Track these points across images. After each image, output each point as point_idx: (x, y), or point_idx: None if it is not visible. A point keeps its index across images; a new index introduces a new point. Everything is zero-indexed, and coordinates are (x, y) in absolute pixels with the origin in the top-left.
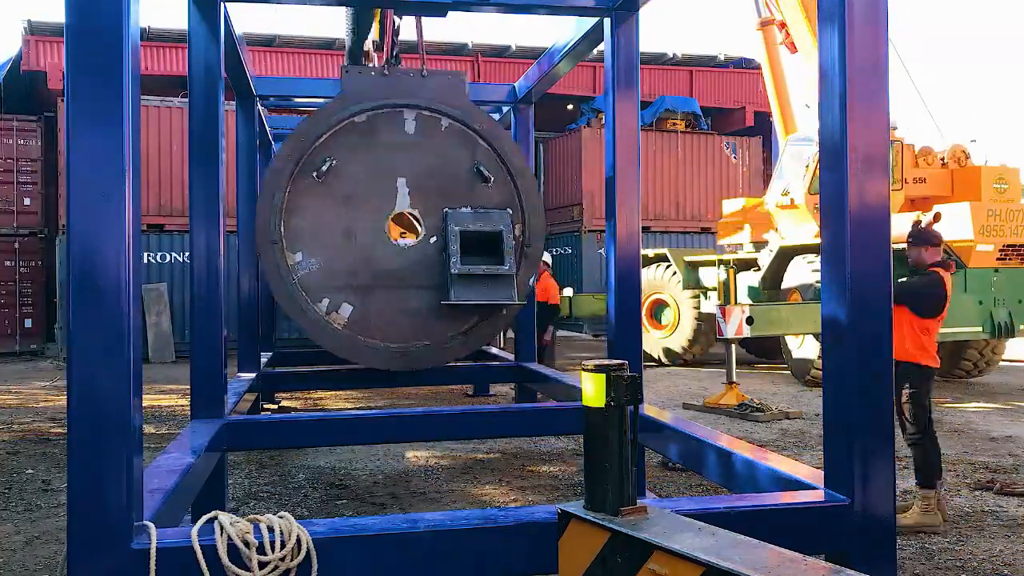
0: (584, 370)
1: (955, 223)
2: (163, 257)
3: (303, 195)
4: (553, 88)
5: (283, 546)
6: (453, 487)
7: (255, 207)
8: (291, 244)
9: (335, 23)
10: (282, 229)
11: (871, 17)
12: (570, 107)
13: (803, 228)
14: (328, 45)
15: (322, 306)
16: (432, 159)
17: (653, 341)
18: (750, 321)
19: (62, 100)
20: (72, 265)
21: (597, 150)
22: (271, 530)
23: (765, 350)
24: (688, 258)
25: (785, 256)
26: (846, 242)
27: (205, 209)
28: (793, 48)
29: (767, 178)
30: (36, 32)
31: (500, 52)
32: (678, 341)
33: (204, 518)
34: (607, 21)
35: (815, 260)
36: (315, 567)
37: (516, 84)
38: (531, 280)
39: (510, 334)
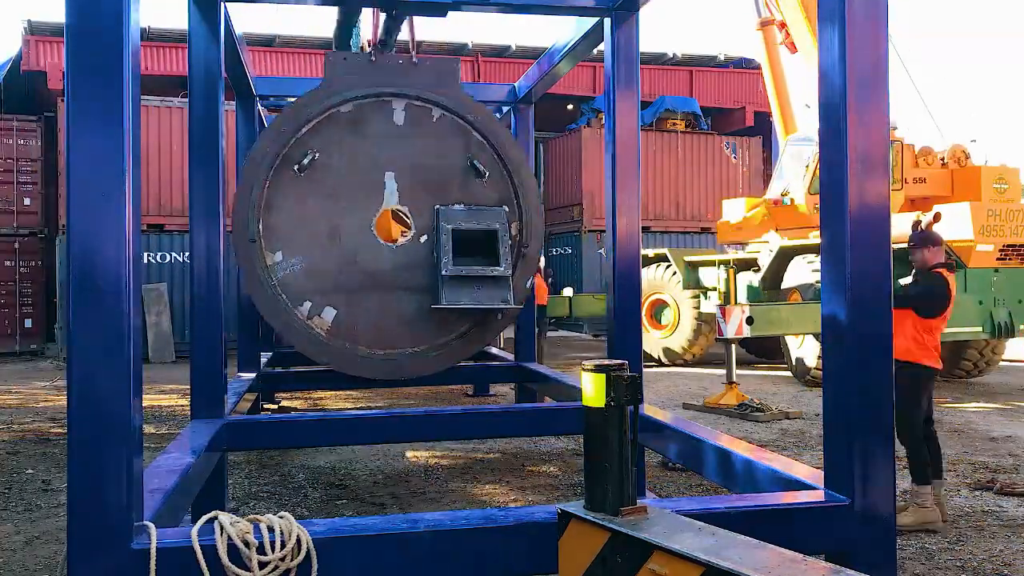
0: (584, 370)
1: (955, 223)
2: (163, 257)
3: (283, 190)
4: (553, 88)
5: (283, 546)
6: (453, 487)
7: None
8: (270, 243)
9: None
10: (260, 227)
11: (871, 17)
12: (570, 107)
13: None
14: (328, 45)
15: (303, 309)
16: (423, 152)
17: (653, 341)
18: (750, 321)
19: (62, 100)
20: (72, 265)
21: (597, 150)
22: (271, 530)
23: (765, 350)
24: (688, 258)
25: (785, 256)
26: (846, 242)
27: (205, 209)
28: (793, 48)
29: (767, 178)
30: (36, 32)
31: (500, 52)
32: (678, 341)
33: (204, 518)
34: (607, 21)
35: (815, 260)
36: (315, 567)
37: (516, 84)
38: (528, 282)
39: (509, 334)
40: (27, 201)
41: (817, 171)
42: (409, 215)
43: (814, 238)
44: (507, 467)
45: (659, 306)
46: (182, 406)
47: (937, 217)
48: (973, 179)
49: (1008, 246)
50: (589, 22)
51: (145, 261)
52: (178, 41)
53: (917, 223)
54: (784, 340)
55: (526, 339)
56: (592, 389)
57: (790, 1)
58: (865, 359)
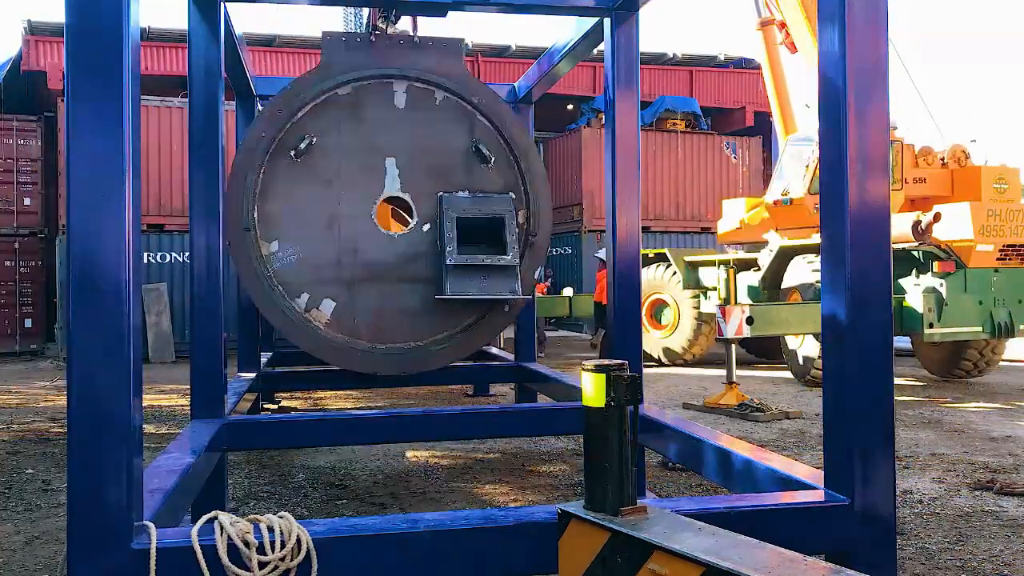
0: (584, 370)
1: (955, 223)
2: (163, 257)
3: (279, 177)
4: (553, 88)
5: (283, 546)
6: (453, 487)
7: None
8: (266, 232)
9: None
10: (255, 215)
11: (871, 16)
12: (570, 107)
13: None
14: None
15: (301, 302)
16: (425, 137)
17: (653, 341)
18: (750, 321)
19: (62, 100)
20: (72, 265)
21: (597, 150)
22: (271, 530)
23: (765, 350)
24: (688, 258)
25: (785, 256)
26: (846, 242)
27: (205, 209)
28: (793, 48)
29: (767, 178)
30: (36, 32)
31: (500, 52)
32: (678, 341)
33: (204, 518)
34: (607, 21)
35: (815, 260)
36: (315, 567)
37: (516, 84)
38: (536, 273)
39: (509, 333)
40: (27, 201)
41: (817, 171)
42: (411, 202)
43: (814, 238)
44: (507, 467)
45: (659, 306)
46: (182, 406)
47: (937, 217)
48: (973, 179)
49: (1008, 246)
50: (589, 22)
51: (145, 261)
52: (178, 41)
53: (917, 223)
54: (784, 340)
55: (526, 339)
56: (592, 389)
57: (790, 1)
58: (865, 359)
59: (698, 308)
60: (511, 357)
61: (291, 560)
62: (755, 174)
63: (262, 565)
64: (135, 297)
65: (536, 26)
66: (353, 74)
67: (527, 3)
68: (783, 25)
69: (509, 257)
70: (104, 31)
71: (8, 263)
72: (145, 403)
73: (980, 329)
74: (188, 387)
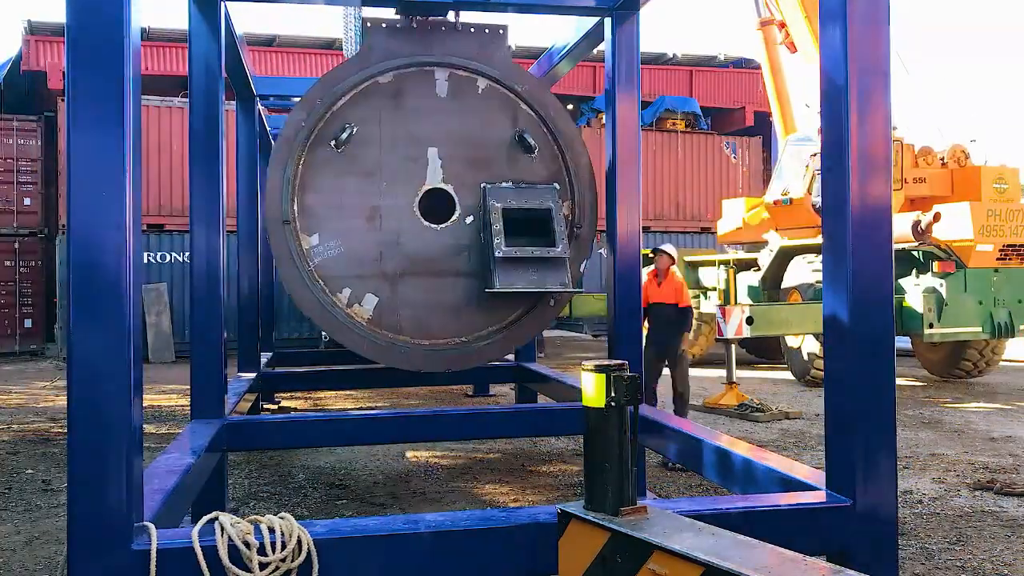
0: (584, 370)
1: (955, 223)
2: (163, 257)
3: (320, 168)
4: (553, 88)
5: (284, 547)
6: (453, 487)
7: (255, 206)
8: (306, 225)
9: (335, 23)
10: (295, 207)
11: (873, 15)
12: (570, 107)
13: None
14: (328, 45)
15: (342, 297)
16: (468, 126)
17: None
18: (750, 321)
19: (62, 100)
20: (72, 265)
21: (597, 150)
22: (272, 531)
23: (765, 350)
24: (688, 258)
25: (785, 256)
26: (847, 241)
27: (205, 209)
28: (793, 48)
29: (767, 178)
30: (36, 32)
31: None
32: None
33: (205, 519)
34: (607, 21)
35: (815, 260)
36: (315, 568)
37: None
38: (582, 266)
39: None
40: (27, 201)
41: (817, 171)
42: (454, 194)
43: (815, 238)
44: (507, 467)
45: None
46: (182, 406)
47: (937, 217)
48: (973, 179)
49: (1008, 246)
50: (589, 22)
51: (145, 261)
52: (178, 41)
53: (917, 223)
54: (784, 340)
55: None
56: (592, 389)
57: (790, 1)
58: (867, 359)
59: (698, 308)
60: (511, 357)
61: (292, 561)
62: (755, 174)
63: (263, 566)
64: (135, 297)
65: (536, 26)
66: (394, 62)
67: (527, 3)
68: (783, 25)
69: (559, 249)
70: (104, 31)
71: (8, 263)
72: (145, 403)
73: (980, 329)
74: (188, 387)
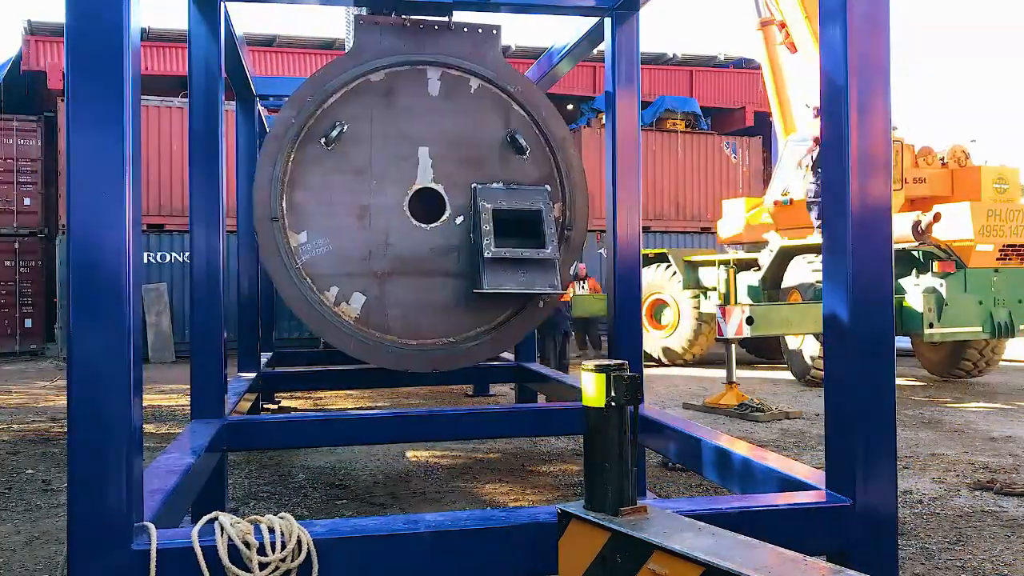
0: (584, 370)
1: (955, 223)
2: (163, 257)
3: (309, 165)
4: (553, 88)
5: (284, 547)
6: (453, 487)
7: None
8: (294, 222)
9: (335, 23)
10: (284, 205)
11: (873, 15)
12: (570, 107)
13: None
14: (328, 45)
15: (330, 295)
16: (459, 126)
17: (653, 341)
18: (750, 321)
19: (62, 100)
20: (72, 265)
21: (597, 150)
22: (272, 531)
23: (765, 350)
24: (688, 258)
25: (785, 256)
26: (847, 241)
27: (205, 209)
28: (793, 48)
29: (767, 178)
30: (36, 32)
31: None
32: (678, 341)
33: (204, 519)
34: (607, 21)
35: (815, 260)
36: (316, 568)
37: None
38: (572, 269)
39: None
40: (27, 201)
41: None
42: (444, 193)
43: (814, 238)
44: (507, 467)
45: (659, 306)
46: (182, 406)
47: (937, 217)
48: (973, 179)
49: (1008, 246)
50: (589, 22)
51: (145, 261)
52: (178, 41)
53: (917, 223)
54: (784, 340)
55: (526, 339)
56: (592, 389)
57: (790, 0)
58: (867, 359)
59: (698, 308)
60: (511, 357)
61: (292, 561)
62: (755, 174)
63: (263, 566)
64: (135, 297)
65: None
66: (386, 60)
67: (527, 3)
68: (783, 25)
69: (549, 251)
70: (104, 31)
71: (8, 263)
72: (145, 403)
73: (980, 329)
74: (188, 387)
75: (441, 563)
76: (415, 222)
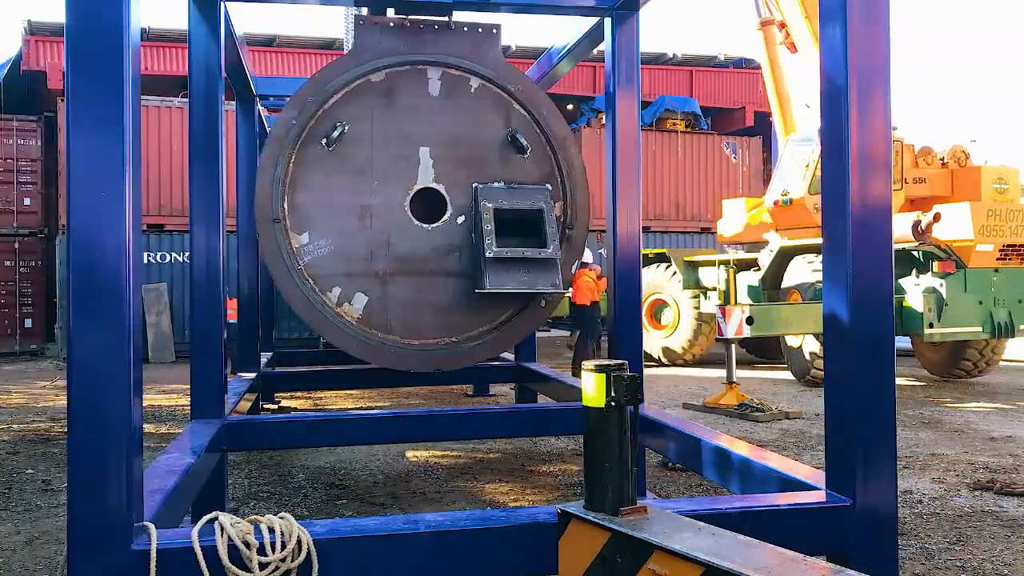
0: (584, 370)
1: (955, 223)
2: (163, 257)
3: (310, 166)
4: (553, 88)
5: (284, 547)
6: (453, 487)
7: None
8: (296, 223)
9: (335, 23)
10: (285, 205)
11: (873, 15)
12: (570, 107)
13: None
14: (328, 45)
15: (332, 296)
16: (460, 126)
17: (653, 341)
18: (750, 321)
19: (62, 100)
20: (72, 265)
21: (597, 150)
22: (271, 531)
23: (765, 350)
24: (688, 258)
25: (785, 256)
26: (847, 241)
27: (205, 209)
28: (793, 48)
29: (767, 178)
30: (36, 32)
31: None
32: (678, 341)
33: (204, 519)
34: (607, 21)
35: (815, 260)
36: (315, 568)
37: None
38: (573, 268)
39: None
40: (27, 201)
41: (817, 171)
42: (445, 193)
43: (815, 238)
44: (507, 467)
45: (659, 306)
46: (182, 406)
47: (937, 217)
48: (973, 179)
49: (1008, 246)
50: (589, 22)
51: (145, 261)
52: (178, 41)
53: (917, 223)
54: (784, 340)
55: (526, 339)
56: (592, 389)
57: (790, 0)
58: (867, 359)
59: (698, 308)
60: (511, 357)
61: (292, 561)
62: (755, 174)
63: (263, 566)
64: (135, 297)
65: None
66: (386, 60)
67: (527, 3)
68: (783, 25)
69: (550, 250)
70: (104, 31)
71: (8, 263)
72: (145, 403)
73: (980, 329)
74: (188, 387)
75: (441, 563)
76: (416, 222)
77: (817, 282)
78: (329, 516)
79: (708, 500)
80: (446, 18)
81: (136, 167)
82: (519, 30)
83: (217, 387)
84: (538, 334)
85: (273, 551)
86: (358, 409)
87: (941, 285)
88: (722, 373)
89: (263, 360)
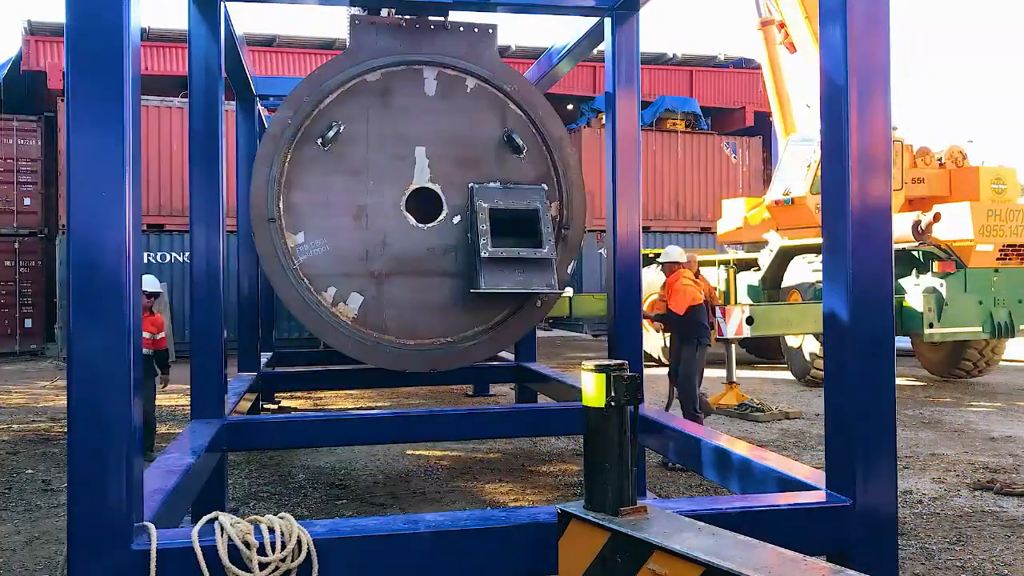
0: (584, 370)
1: (955, 223)
2: (163, 257)
3: (306, 166)
4: (553, 88)
5: (283, 547)
6: (453, 487)
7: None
8: (291, 223)
9: (335, 23)
10: (281, 205)
11: (873, 16)
12: (570, 107)
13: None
14: (328, 45)
15: (327, 296)
16: (456, 126)
17: (653, 341)
18: (750, 321)
19: (62, 100)
20: (72, 265)
21: (597, 150)
22: (271, 531)
23: (765, 350)
24: None
25: (785, 256)
26: (848, 240)
27: (205, 209)
28: (793, 48)
29: (767, 178)
30: (36, 32)
31: (500, 52)
32: None
33: (204, 519)
34: (607, 21)
35: (815, 260)
36: (315, 568)
37: None
38: (569, 268)
39: None
40: (27, 201)
41: (819, 170)
42: (441, 193)
43: (815, 238)
44: (507, 467)
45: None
46: (182, 406)
47: (937, 217)
48: (971, 179)
49: (1008, 246)
50: (589, 22)
51: (145, 261)
52: (178, 41)
53: (917, 223)
54: (784, 340)
55: (526, 339)
56: (592, 389)
57: (789, 0)
58: (867, 359)
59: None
60: (511, 357)
61: (292, 561)
62: (755, 174)
63: (263, 566)
64: (135, 297)
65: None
66: (382, 60)
67: (527, 3)
68: (783, 25)
69: (546, 250)
70: (104, 31)
71: (8, 263)
72: None
73: (980, 329)
74: (188, 387)
75: (441, 563)
76: (412, 222)
77: (817, 282)
78: (329, 516)
79: (708, 500)
80: (442, 18)
81: (136, 167)
82: (519, 30)
83: (217, 387)
84: (539, 334)
85: (273, 551)
86: (358, 409)
87: (941, 285)
88: (722, 373)
89: (263, 360)
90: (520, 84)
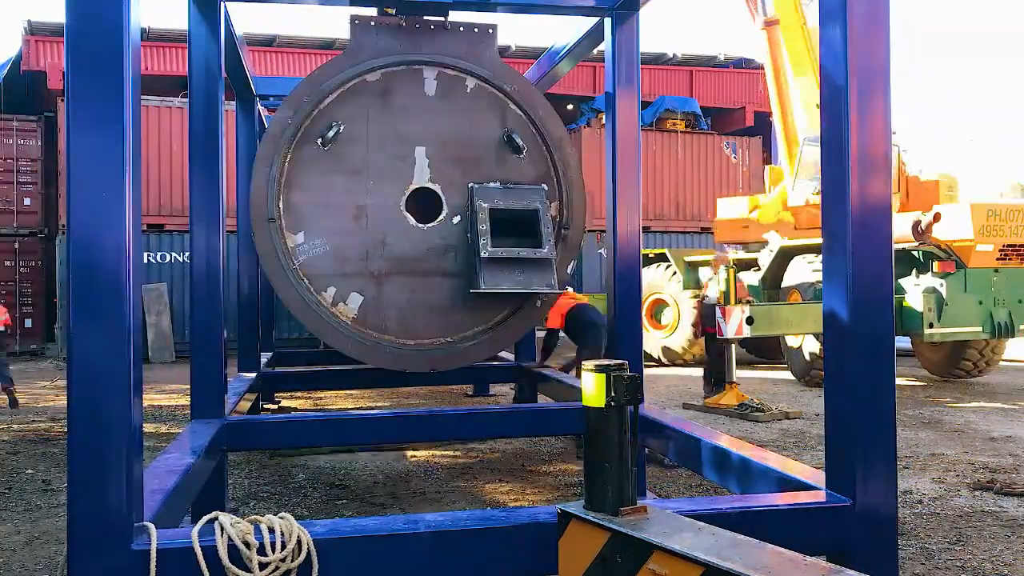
0: (584, 370)
1: (955, 223)
2: (163, 257)
3: (306, 166)
4: (553, 88)
5: (284, 547)
6: (453, 487)
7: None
8: (291, 223)
9: (335, 23)
10: (281, 205)
11: (873, 16)
12: (570, 107)
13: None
14: (328, 45)
15: (327, 296)
16: (456, 126)
17: (653, 341)
18: (750, 321)
19: (62, 100)
20: (72, 265)
21: (597, 150)
22: (271, 531)
23: (765, 350)
24: (688, 258)
25: (785, 256)
26: (848, 240)
27: (205, 209)
28: None
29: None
30: (36, 32)
31: (500, 52)
32: (678, 341)
33: (204, 519)
34: (607, 21)
35: (815, 260)
36: (315, 568)
37: None
38: (569, 268)
39: None
40: (27, 201)
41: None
42: (441, 193)
43: (815, 238)
44: (507, 467)
45: (659, 306)
46: (182, 406)
47: (937, 217)
48: (930, 188)
49: (1008, 246)
50: (589, 22)
51: (145, 261)
52: (178, 41)
53: (917, 223)
54: (784, 340)
55: (526, 339)
56: (592, 389)
57: (788, 1)
58: (867, 359)
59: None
60: (511, 357)
61: (292, 561)
62: (755, 174)
63: (263, 566)
64: (135, 297)
65: (536, 26)
66: (382, 60)
67: (527, 3)
68: None
69: (546, 250)
70: (104, 31)
71: (8, 263)
72: (145, 403)
73: (980, 329)
74: (188, 387)
75: (441, 563)
76: (412, 222)
77: (817, 282)
78: (329, 516)
79: (708, 500)
80: (442, 18)
81: (136, 167)
82: (519, 30)
83: (217, 387)
84: (539, 334)
85: (273, 551)
86: (358, 409)
87: (941, 285)
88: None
89: (263, 360)
90: (520, 84)
